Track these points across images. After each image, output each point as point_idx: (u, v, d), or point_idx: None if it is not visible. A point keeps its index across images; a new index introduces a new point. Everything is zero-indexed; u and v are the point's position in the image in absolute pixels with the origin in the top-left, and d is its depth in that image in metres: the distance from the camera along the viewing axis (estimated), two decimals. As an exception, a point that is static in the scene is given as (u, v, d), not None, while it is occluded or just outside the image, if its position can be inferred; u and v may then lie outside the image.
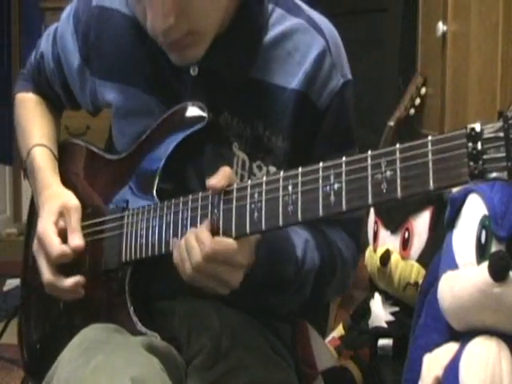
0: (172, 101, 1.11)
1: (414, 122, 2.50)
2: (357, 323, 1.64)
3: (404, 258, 1.49)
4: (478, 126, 0.76)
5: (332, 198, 0.86)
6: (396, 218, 1.51)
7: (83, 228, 1.16)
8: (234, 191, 0.96)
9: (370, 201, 0.83)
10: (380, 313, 1.57)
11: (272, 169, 1.10)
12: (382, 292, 1.58)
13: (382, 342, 1.54)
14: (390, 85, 2.93)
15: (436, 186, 0.78)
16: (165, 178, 1.10)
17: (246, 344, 1.09)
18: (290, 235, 1.07)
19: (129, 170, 1.15)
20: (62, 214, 1.16)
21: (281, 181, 0.92)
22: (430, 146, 0.79)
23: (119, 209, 1.14)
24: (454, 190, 1.30)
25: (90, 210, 1.18)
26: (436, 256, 1.25)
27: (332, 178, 0.87)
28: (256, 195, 0.94)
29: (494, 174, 0.75)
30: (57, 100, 1.33)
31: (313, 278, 1.09)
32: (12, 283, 2.90)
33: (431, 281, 1.22)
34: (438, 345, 1.16)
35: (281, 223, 0.91)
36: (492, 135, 0.75)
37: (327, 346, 1.56)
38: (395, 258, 1.50)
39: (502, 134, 0.74)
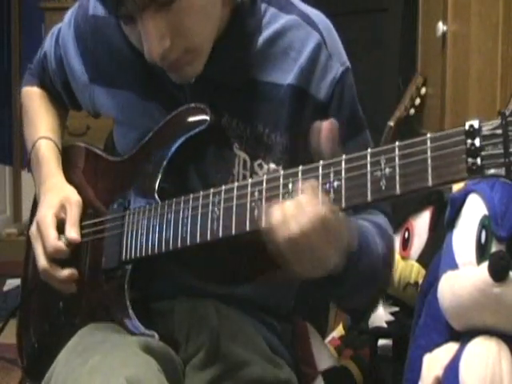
0: (172, 105, 1.11)
1: (414, 122, 2.50)
2: (357, 323, 1.64)
3: (404, 258, 1.49)
4: (476, 123, 0.76)
5: (332, 195, 0.86)
6: (396, 218, 1.51)
7: (84, 227, 1.17)
8: (235, 189, 0.96)
9: (369, 198, 0.83)
10: (380, 313, 1.57)
11: (272, 166, 1.10)
12: (381, 292, 1.58)
13: (382, 341, 1.54)
14: (390, 85, 2.93)
15: (435, 182, 0.78)
16: (167, 179, 1.10)
17: (244, 343, 1.09)
18: (363, 223, 1.04)
19: (131, 172, 1.16)
20: (63, 206, 1.17)
21: (281, 179, 0.92)
22: (429, 143, 0.79)
23: (120, 209, 1.14)
24: (454, 190, 1.30)
25: (92, 211, 1.19)
26: (436, 256, 1.25)
27: (331, 175, 0.87)
28: (256, 193, 0.94)
29: (492, 171, 0.75)
30: (60, 98, 1.34)
31: (380, 267, 1.04)
32: (12, 283, 2.91)
33: (431, 281, 1.22)
34: (438, 345, 1.16)
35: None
36: (490, 132, 0.76)
37: (327, 345, 1.56)
38: (395, 258, 1.50)
39: (500, 131, 0.75)
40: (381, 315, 1.56)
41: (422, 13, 2.61)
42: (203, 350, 1.08)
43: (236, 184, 0.97)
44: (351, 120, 1.12)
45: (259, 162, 1.10)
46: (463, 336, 1.11)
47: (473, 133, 0.76)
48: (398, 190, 0.81)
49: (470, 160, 0.76)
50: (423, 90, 2.48)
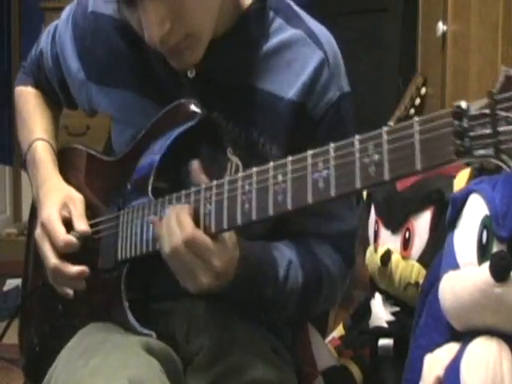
0: (168, 102, 1.11)
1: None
2: (357, 323, 1.64)
3: (405, 257, 1.49)
4: (464, 104, 0.75)
5: (321, 184, 0.86)
6: (397, 218, 1.51)
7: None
8: (226, 184, 0.96)
9: (358, 185, 0.82)
10: (380, 313, 1.57)
11: None
12: (382, 292, 1.58)
13: (382, 341, 1.54)
14: (390, 85, 2.92)
15: (423, 166, 0.77)
16: (161, 178, 1.10)
17: (245, 344, 1.09)
18: (274, 255, 1.08)
19: (125, 171, 1.16)
20: (65, 204, 1.16)
21: (271, 171, 0.92)
22: (416, 127, 0.78)
23: (115, 209, 1.14)
24: (456, 190, 1.30)
25: (88, 212, 1.19)
26: (437, 256, 1.25)
27: (320, 164, 0.86)
28: (247, 187, 0.93)
29: (481, 151, 0.74)
30: (55, 97, 1.34)
31: (296, 297, 1.10)
32: (12, 283, 2.91)
33: (432, 281, 1.22)
34: (438, 345, 1.15)
35: (271, 213, 0.91)
36: (478, 112, 0.74)
37: (327, 345, 1.56)
38: (396, 257, 1.50)
39: (488, 111, 0.74)
40: (381, 315, 1.56)
41: (422, 13, 2.61)
42: (204, 350, 1.08)
43: (227, 179, 0.97)
44: None
45: None
46: (464, 336, 1.11)
47: (460, 114, 0.75)
48: (386, 176, 0.80)
49: (458, 142, 0.75)
50: (423, 90, 2.48)
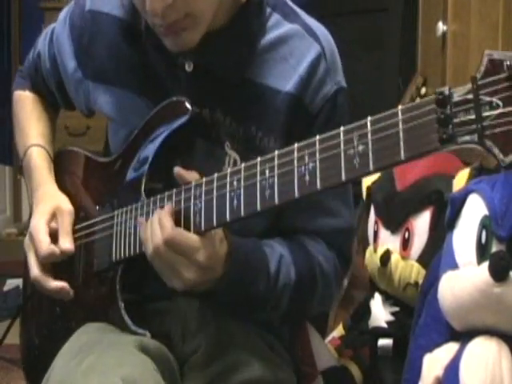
0: (164, 100, 1.11)
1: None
2: (357, 323, 1.64)
3: (404, 257, 1.49)
4: (446, 90, 0.74)
5: (307, 177, 0.86)
6: (396, 218, 1.51)
7: (76, 231, 1.17)
8: (215, 181, 0.96)
9: (343, 177, 0.82)
10: (380, 313, 1.57)
11: None
12: (382, 292, 1.58)
13: (382, 341, 1.54)
14: (390, 85, 2.92)
15: (407, 155, 0.77)
16: (155, 178, 1.11)
17: (243, 343, 1.09)
18: (265, 250, 1.08)
19: (119, 171, 1.16)
20: (54, 215, 1.17)
21: (258, 166, 0.92)
22: (400, 116, 0.77)
23: (109, 209, 1.14)
24: (455, 190, 1.30)
25: (84, 214, 1.19)
26: (436, 256, 1.25)
27: (306, 158, 0.86)
28: (235, 183, 0.94)
29: (466, 138, 0.73)
30: (53, 99, 1.34)
31: (289, 293, 1.09)
32: (12, 283, 2.91)
33: (431, 281, 1.22)
34: (438, 345, 1.15)
35: (259, 208, 0.91)
36: (461, 98, 0.73)
37: (327, 345, 1.56)
38: (395, 257, 1.50)
39: (471, 96, 0.73)
40: (381, 315, 1.56)
41: (422, 13, 2.61)
42: (201, 350, 1.08)
43: (216, 175, 0.97)
44: None
45: None
46: (463, 336, 1.11)
47: (443, 100, 0.74)
48: (371, 167, 0.80)
49: (441, 129, 0.74)
50: (423, 90, 2.47)
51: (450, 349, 1.12)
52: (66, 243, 1.14)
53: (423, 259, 1.45)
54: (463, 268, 1.11)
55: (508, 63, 0.70)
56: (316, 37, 1.12)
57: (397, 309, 1.55)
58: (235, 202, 0.93)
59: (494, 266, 1.04)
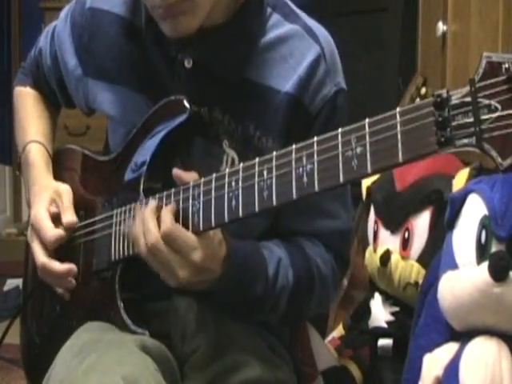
0: (162, 98, 1.11)
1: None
2: (357, 323, 1.64)
3: (404, 257, 1.49)
4: (444, 93, 0.74)
5: (305, 179, 0.86)
6: (396, 218, 1.51)
7: (75, 230, 1.17)
8: (213, 181, 0.96)
9: (341, 179, 0.82)
10: (380, 313, 1.57)
11: None
12: (382, 292, 1.58)
13: (382, 341, 1.54)
14: (390, 85, 2.92)
15: (405, 157, 0.76)
16: (154, 177, 1.11)
17: (242, 343, 1.09)
18: (263, 253, 1.08)
19: (118, 170, 1.16)
20: (53, 200, 1.17)
21: (256, 166, 0.92)
22: (398, 118, 0.77)
23: (109, 208, 1.15)
24: (454, 190, 1.30)
25: (83, 213, 1.19)
26: (436, 256, 1.25)
27: (304, 159, 0.86)
28: (233, 183, 0.94)
29: (464, 141, 0.72)
30: (54, 97, 1.35)
31: (287, 296, 1.09)
32: (12, 283, 2.91)
33: (431, 281, 1.22)
34: (438, 345, 1.16)
35: (257, 209, 0.91)
36: (459, 101, 0.73)
37: (327, 345, 1.56)
38: (395, 257, 1.50)
39: (469, 99, 0.72)
40: (381, 315, 1.56)
41: (422, 13, 2.61)
42: (200, 350, 1.07)
43: (214, 175, 0.97)
44: None
45: None
46: (463, 336, 1.11)
47: (441, 103, 0.74)
48: (369, 169, 0.80)
49: (439, 132, 0.73)
50: (423, 90, 2.47)
51: (449, 349, 1.12)
52: (69, 217, 1.15)
53: (423, 259, 1.45)
54: (463, 268, 1.11)
55: (506, 66, 0.70)
56: (316, 38, 1.12)
57: (397, 309, 1.55)
58: (233, 202, 0.93)
59: (493, 266, 1.04)
